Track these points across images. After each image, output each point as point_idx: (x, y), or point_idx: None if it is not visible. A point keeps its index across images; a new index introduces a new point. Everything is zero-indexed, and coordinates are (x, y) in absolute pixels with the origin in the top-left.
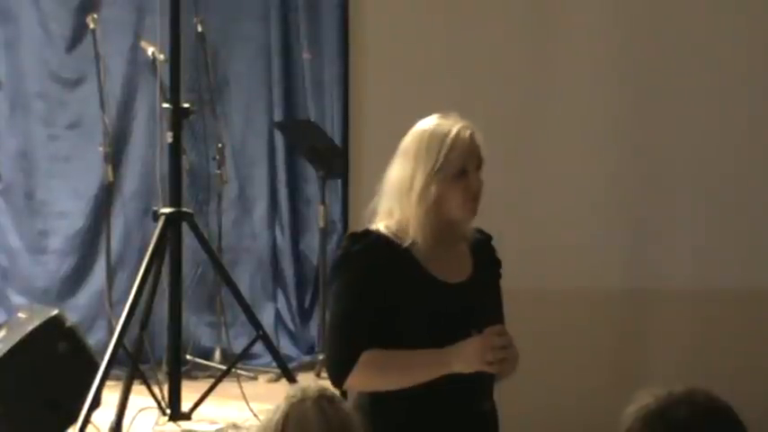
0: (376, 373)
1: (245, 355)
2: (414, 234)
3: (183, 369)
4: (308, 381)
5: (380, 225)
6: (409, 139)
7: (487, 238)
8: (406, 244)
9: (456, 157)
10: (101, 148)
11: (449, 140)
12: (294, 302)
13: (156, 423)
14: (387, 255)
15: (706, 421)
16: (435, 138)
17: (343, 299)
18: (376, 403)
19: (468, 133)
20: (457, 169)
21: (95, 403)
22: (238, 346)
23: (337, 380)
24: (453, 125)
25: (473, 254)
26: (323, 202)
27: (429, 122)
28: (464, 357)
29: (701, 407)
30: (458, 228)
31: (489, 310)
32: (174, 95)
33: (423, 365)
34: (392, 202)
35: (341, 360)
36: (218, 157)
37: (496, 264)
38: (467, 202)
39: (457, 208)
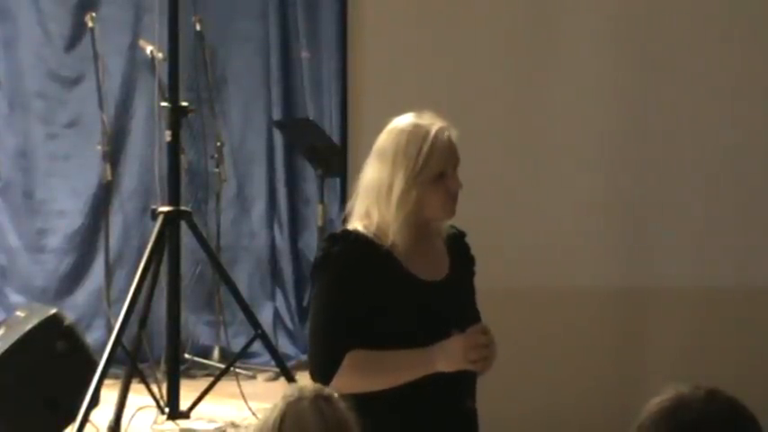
0: (360, 375)
1: (244, 354)
2: (393, 236)
3: (182, 368)
4: (306, 380)
5: (358, 225)
6: (385, 140)
7: (461, 234)
8: (385, 245)
9: (435, 160)
10: (99, 147)
11: (427, 144)
12: (293, 301)
13: (155, 422)
14: (367, 255)
15: (718, 427)
16: (413, 141)
17: (326, 300)
18: (360, 403)
19: (446, 135)
20: (436, 172)
21: (94, 402)
22: (237, 344)
23: (322, 382)
24: (430, 127)
25: (449, 251)
26: (321, 201)
27: (404, 123)
28: (448, 356)
29: (716, 411)
30: (434, 225)
31: (468, 308)
32: (172, 94)
33: (407, 366)
34: (369, 204)
35: (325, 362)
36: (216, 155)
37: (471, 261)
38: (446, 203)
39: (437, 210)
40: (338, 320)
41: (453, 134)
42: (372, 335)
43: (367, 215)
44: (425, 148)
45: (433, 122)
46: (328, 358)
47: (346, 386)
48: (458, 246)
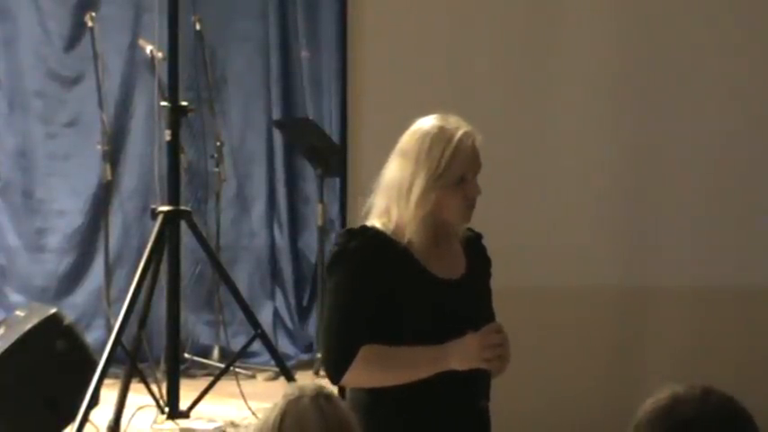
0: (374, 369)
1: (244, 354)
2: (410, 235)
3: (182, 367)
4: (306, 379)
5: (376, 222)
6: (409, 141)
7: (478, 236)
8: (402, 242)
9: (458, 165)
10: (99, 147)
11: (451, 148)
12: (292, 301)
13: (155, 421)
14: (384, 251)
15: (714, 424)
16: (437, 143)
17: (341, 294)
18: (373, 401)
19: (470, 141)
20: (457, 176)
21: (94, 401)
22: (237, 344)
23: (335, 375)
24: (456, 131)
25: (465, 252)
26: (321, 201)
27: (430, 124)
28: (462, 355)
29: (712, 409)
30: (451, 227)
31: (483, 307)
32: (172, 94)
33: (421, 362)
34: (389, 201)
35: (339, 355)
36: (216, 155)
37: (487, 262)
38: (464, 209)
39: (454, 214)
40: (353, 315)
41: (478, 140)
42: (387, 330)
43: (386, 212)
44: (448, 152)
45: (458, 126)
46: (342, 352)
47: (359, 379)
48: (474, 247)
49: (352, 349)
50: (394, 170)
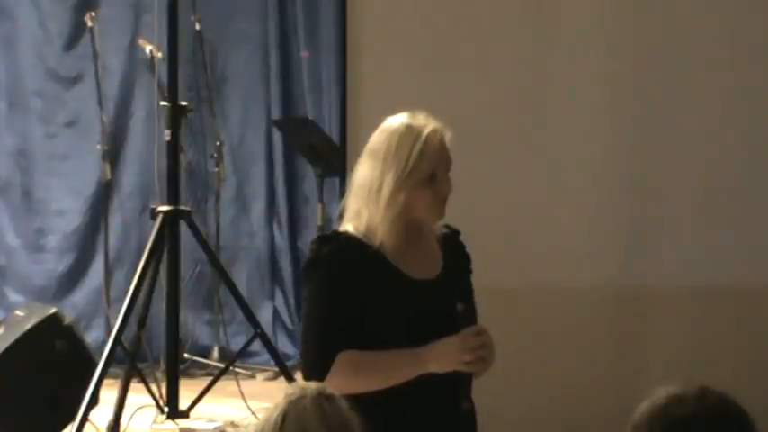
0: (352, 375)
1: (243, 353)
2: (382, 237)
3: (181, 367)
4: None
5: (349, 226)
6: (377, 140)
7: (455, 233)
8: (375, 245)
9: (426, 162)
10: (99, 147)
11: (419, 145)
12: (292, 301)
13: (154, 421)
14: (356, 256)
15: (710, 422)
16: (405, 141)
17: (316, 302)
18: (354, 404)
19: (438, 137)
20: (427, 174)
21: (93, 401)
22: (236, 344)
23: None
24: (423, 128)
25: (442, 250)
26: (321, 201)
27: (398, 123)
28: (440, 358)
29: (708, 407)
30: (426, 225)
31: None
32: (171, 93)
33: (399, 366)
34: (360, 203)
35: (317, 363)
36: (215, 155)
37: (466, 258)
38: (435, 205)
39: (426, 211)
40: (330, 321)
41: (447, 136)
42: (363, 335)
43: (357, 215)
44: (416, 151)
45: (426, 124)
46: (320, 359)
47: (338, 386)
48: (452, 244)
49: (330, 357)
50: (364, 171)
